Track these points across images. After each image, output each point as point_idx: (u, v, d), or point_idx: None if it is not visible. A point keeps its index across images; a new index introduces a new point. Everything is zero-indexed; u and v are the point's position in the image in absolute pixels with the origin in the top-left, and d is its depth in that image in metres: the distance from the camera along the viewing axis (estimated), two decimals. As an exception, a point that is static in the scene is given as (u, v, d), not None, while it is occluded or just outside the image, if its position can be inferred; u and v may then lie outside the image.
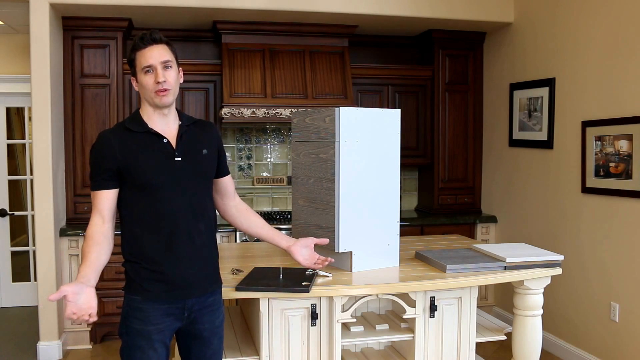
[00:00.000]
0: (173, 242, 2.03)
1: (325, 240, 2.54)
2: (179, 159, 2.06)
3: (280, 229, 4.48)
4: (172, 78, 2.04)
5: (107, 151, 2.01)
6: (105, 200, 2.02)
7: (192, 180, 2.09)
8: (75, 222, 4.42)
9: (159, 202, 2.02)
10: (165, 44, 2.06)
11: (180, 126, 2.13)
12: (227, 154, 5.02)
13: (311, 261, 2.49)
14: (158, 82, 2.00)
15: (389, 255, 2.84)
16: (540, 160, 4.34)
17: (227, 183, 2.33)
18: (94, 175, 2.04)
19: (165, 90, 2.02)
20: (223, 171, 2.28)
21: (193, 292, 2.08)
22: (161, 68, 2.01)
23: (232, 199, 2.36)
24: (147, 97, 2.05)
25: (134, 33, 4.70)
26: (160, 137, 2.07)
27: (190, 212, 2.07)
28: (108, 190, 2.02)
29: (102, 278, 4.31)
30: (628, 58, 3.50)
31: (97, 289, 4.78)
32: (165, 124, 2.10)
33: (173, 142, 2.08)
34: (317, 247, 2.57)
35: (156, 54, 2.01)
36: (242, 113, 4.39)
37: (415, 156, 5.08)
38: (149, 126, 2.07)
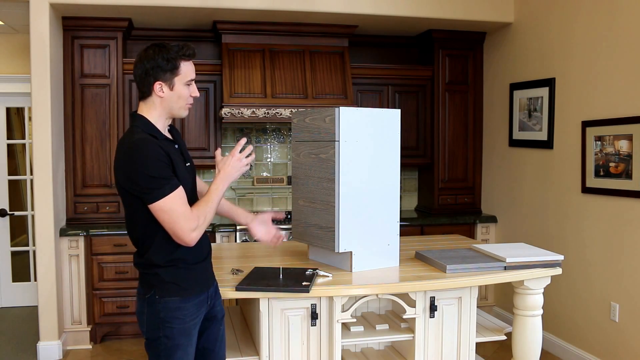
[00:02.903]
0: (199, 240, 2.09)
1: (281, 215, 2.57)
2: (188, 164, 2.16)
3: (280, 229, 4.50)
4: None
5: (162, 154, 1.97)
6: (185, 196, 2.01)
7: (194, 183, 2.22)
8: (75, 222, 4.42)
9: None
10: None
11: (169, 131, 2.18)
12: (226, 154, 5.04)
13: (269, 237, 2.50)
14: (193, 96, 2.10)
15: (389, 255, 2.84)
16: (540, 160, 4.34)
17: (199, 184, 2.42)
18: (164, 177, 1.94)
19: (191, 104, 2.13)
20: None
21: (212, 281, 2.24)
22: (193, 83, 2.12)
23: None
24: (176, 106, 2.08)
25: (134, 33, 4.70)
26: (173, 143, 2.13)
27: None
28: (182, 186, 2.01)
29: (102, 278, 4.33)
30: (628, 58, 3.50)
31: (97, 289, 4.76)
32: (165, 130, 2.14)
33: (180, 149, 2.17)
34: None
35: (194, 70, 2.11)
36: (242, 113, 4.39)
37: (415, 156, 5.08)
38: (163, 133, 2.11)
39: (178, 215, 1.95)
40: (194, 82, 2.11)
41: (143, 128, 2.03)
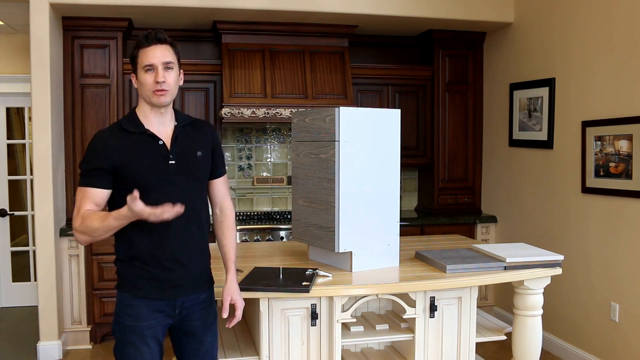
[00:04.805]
0: (165, 243, 2.06)
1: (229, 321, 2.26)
2: (173, 162, 2.07)
3: (280, 229, 4.51)
4: (172, 79, 2.06)
5: (103, 151, 2.01)
6: (97, 198, 2.01)
7: (185, 183, 2.11)
8: (75, 222, 4.42)
9: (151, 204, 2.00)
10: (169, 45, 2.08)
11: (175, 127, 2.14)
12: (227, 154, 5.05)
13: (226, 302, 2.22)
14: (157, 82, 2.02)
15: (389, 255, 2.84)
16: (540, 160, 4.34)
17: (215, 186, 2.27)
18: (86, 172, 2.02)
19: (164, 90, 2.04)
20: (215, 173, 2.25)
21: (183, 291, 2.11)
22: (162, 68, 2.03)
23: (215, 206, 2.31)
24: (145, 96, 2.07)
25: (134, 33, 4.70)
26: (156, 138, 2.08)
27: (183, 214, 2.05)
28: (100, 189, 2.02)
29: (102, 278, 4.33)
30: (628, 58, 3.50)
31: (96, 289, 4.75)
32: (161, 124, 2.11)
33: (168, 144, 2.09)
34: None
35: (159, 54, 2.03)
36: (242, 113, 4.39)
37: (415, 156, 5.08)
38: (145, 127, 2.08)
39: (76, 209, 2.02)
40: (158, 67, 2.02)
41: (122, 120, 2.11)
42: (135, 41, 2.10)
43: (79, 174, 2.06)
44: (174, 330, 2.18)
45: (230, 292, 2.21)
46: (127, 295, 2.08)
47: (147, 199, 1.98)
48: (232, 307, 2.23)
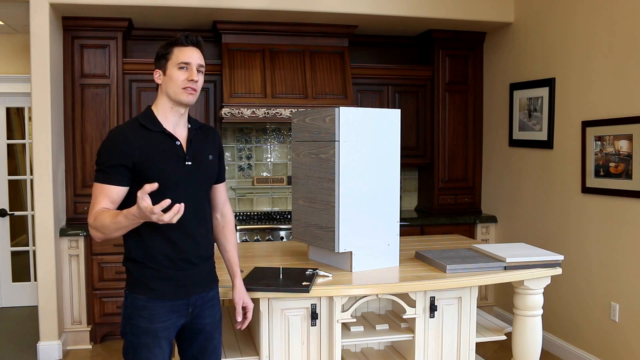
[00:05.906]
0: (178, 244, 2.08)
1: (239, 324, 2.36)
2: (189, 163, 2.11)
3: (280, 229, 4.51)
4: (201, 82, 2.13)
5: (124, 147, 2.01)
6: (114, 195, 2.01)
7: (197, 185, 2.15)
8: (75, 222, 4.42)
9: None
10: (202, 52, 2.14)
11: (190, 130, 2.17)
12: (227, 154, 5.05)
13: (239, 306, 2.33)
14: (191, 80, 2.07)
15: (389, 255, 2.84)
16: (540, 160, 4.34)
17: (217, 191, 2.32)
18: (105, 168, 2.00)
19: (194, 90, 2.09)
20: (219, 178, 2.31)
21: (195, 290, 2.15)
22: (196, 69, 2.09)
23: (216, 211, 2.35)
24: (172, 92, 2.08)
25: (134, 33, 4.71)
26: (173, 138, 2.10)
27: (194, 215, 2.11)
28: (117, 186, 2.01)
29: (102, 278, 4.33)
30: (628, 58, 3.50)
31: (96, 289, 4.74)
32: (177, 124, 2.13)
33: (184, 145, 2.12)
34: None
35: (196, 56, 2.10)
36: (242, 113, 4.39)
37: (415, 156, 5.08)
38: (163, 126, 2.10)
39: (91, 205, 2.02)
40: (193, 67, 2.08)
41: (139, 117, 2.11)
42: (134, 41, 2.12)
43: (95, 170, 2.05)
44: (185, 329, 2.19)
45: (242, 296, 2.31)
46: (142, 297, 2.06)
47: (164, 199, 1.97)
48: (243, 310, 2.32)
